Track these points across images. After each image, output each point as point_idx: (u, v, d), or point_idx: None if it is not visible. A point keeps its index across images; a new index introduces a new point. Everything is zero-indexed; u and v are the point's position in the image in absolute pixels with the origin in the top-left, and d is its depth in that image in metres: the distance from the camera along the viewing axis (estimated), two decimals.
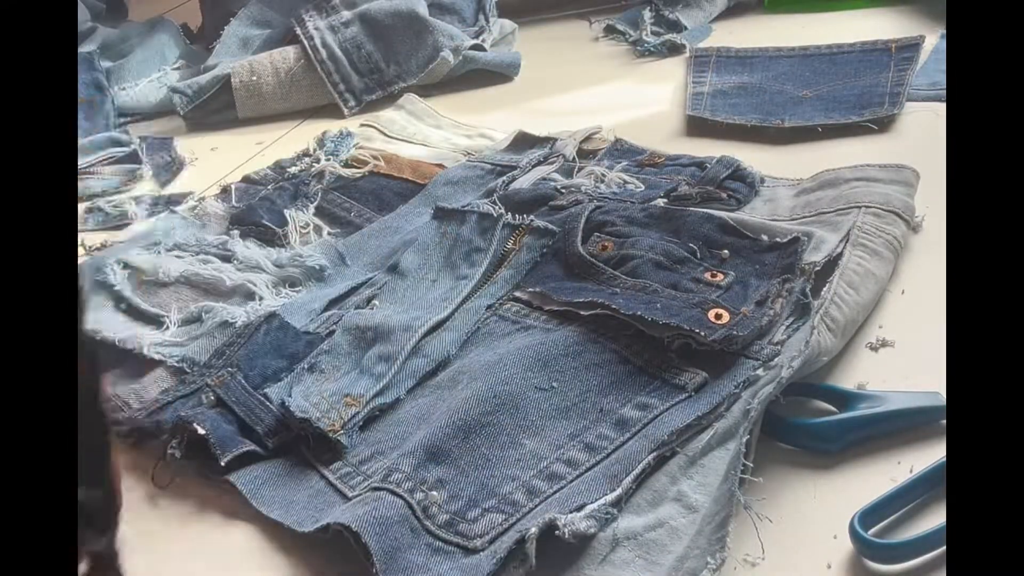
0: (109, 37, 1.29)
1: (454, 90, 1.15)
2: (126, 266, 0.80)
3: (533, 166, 0.89)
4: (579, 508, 0.52)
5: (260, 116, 1.15)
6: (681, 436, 0.56)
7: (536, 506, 0.54)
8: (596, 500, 0.52)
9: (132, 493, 0.62)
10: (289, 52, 1.15)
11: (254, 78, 1.13)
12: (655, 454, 0.55)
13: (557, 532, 0.50)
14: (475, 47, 1.17)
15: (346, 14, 1.17)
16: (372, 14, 1.16)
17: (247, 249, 0.82)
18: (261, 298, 0.76)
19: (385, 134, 1.03)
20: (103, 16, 1.42)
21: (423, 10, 1.17)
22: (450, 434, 0.58)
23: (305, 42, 1.15)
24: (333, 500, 0.57)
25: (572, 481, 0.55)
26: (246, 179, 0.96)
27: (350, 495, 0.57)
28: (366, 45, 1.15)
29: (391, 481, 0.56)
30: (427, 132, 1.03)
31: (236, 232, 0.85)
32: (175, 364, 0.70)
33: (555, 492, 0.54)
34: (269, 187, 0.92)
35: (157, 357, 0.71)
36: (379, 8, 1.16)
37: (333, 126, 1.07)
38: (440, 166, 0.93)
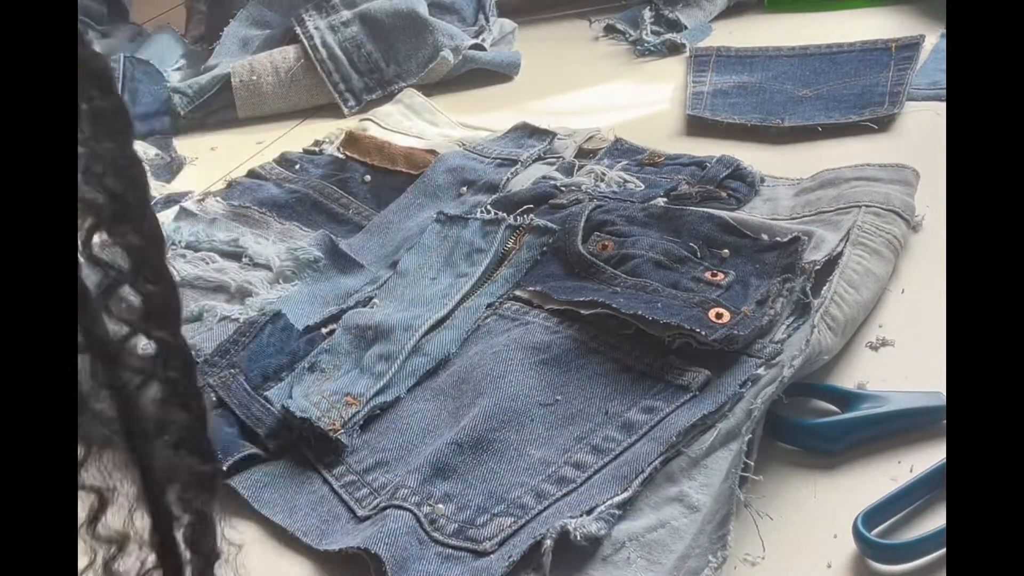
0: (106, 48, 1.29)
1: (454, 90, 1.15)
2: None
3: (533, 161, 0.89)
4: (590, 511, 0.52)
5: (260, 116, 1.15)
6: (687, 436, 0.56)
7: (545, 508, 0.54)
8: (605, 502, 0.52)
9: (131, 493, 0.62)
10: (289, 52, 1.15)
11: (254, 77, 1.13)
12: (663, 456, 0.55)
13: (569, 537, 0.50)
14: (475, 47, 1.17)
15: (346, 13, 1.17)
16: (372, 13, 1.16)
17: (258, 245, 0.82)
18: (257, 293, 0.76)
19: (381, 127, 1.03)
20: (104, 19, 1.42)
21: (423, 10, 1.17)
22: (456, 451, 0.58)
23: (305, 41, 1.15)
24: (337, 511, 0.57)
25: (581, 485, 0.55)
26: (251, 173, 0.96)
27: (355, 508, 0.57)
28: (366, 44, 1.15)
29: (398, 497, 0.56)
30: (422, 127, 1.03)
31: (246, 229, 0.85)
32: None
33: (564, 495, 0.54)
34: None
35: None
36: (379, 7, 1.16)
37: (333, 125, 1.08)
38: (432, 152, 0.93)
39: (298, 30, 1.17)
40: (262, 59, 1.15)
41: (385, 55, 1.15)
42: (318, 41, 1.15)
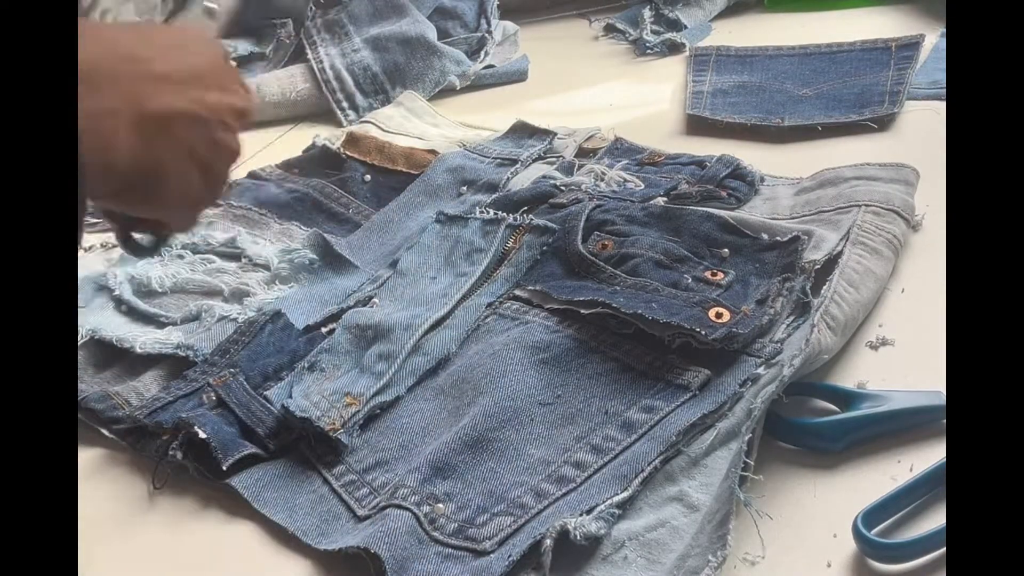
0: None
1: (455, 91, 1.15)
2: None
3: (533, 160, 0.89)
4: (589, 510, 0.52)
5: (259, 121, 1.15)
6: (687, 435, 0.56)
7: (545, 507, 0.54)
8: (605, 501, 0.53)
9: (132, 492, 0.62)
10: (297, 76, 1.15)
11: (261, 99, 1.13)
12: (663, 456, 0.55)
13: (569, 536, 0.50)
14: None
15: (356, 39, 1.17)
16: (382, 40, 1.16)
17: (256, 246, 0.82)
18: (254, 294, 0.76)
19: (382, 129, 1.03)
20: None
21: (432, 36, 1.16)
22: (456, 449, 0.58)
23: (314, 65, 1.15)
24: (337, 511, 0.57)
25: (580, 484, 0.55)
26: (252, 175, 0.96)
27: (355, 508, 0.57)
28: (372, 68, 1.15)
29: (398, 496, 0.56)
30: (424, 128, 1.03)
31: (243, 229, 0.85)
32: (170, 351, 0.70)
33: (564, 495, 0.55)
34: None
35: (152, 351, 0.70)
36: (389, 33, 1.16)
37: (332, 127, 1.08)
38: (433, 152, 0.93)
39: (309, 53, 1.17)
40: (270, 82, 1.14)
41: (391, 79, 1.14)
42: (326, 64, 1.15)
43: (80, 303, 0.74)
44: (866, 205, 0.72)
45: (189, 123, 0.46)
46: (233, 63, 1.14)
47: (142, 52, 0.45)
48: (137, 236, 0.54)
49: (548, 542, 0.50)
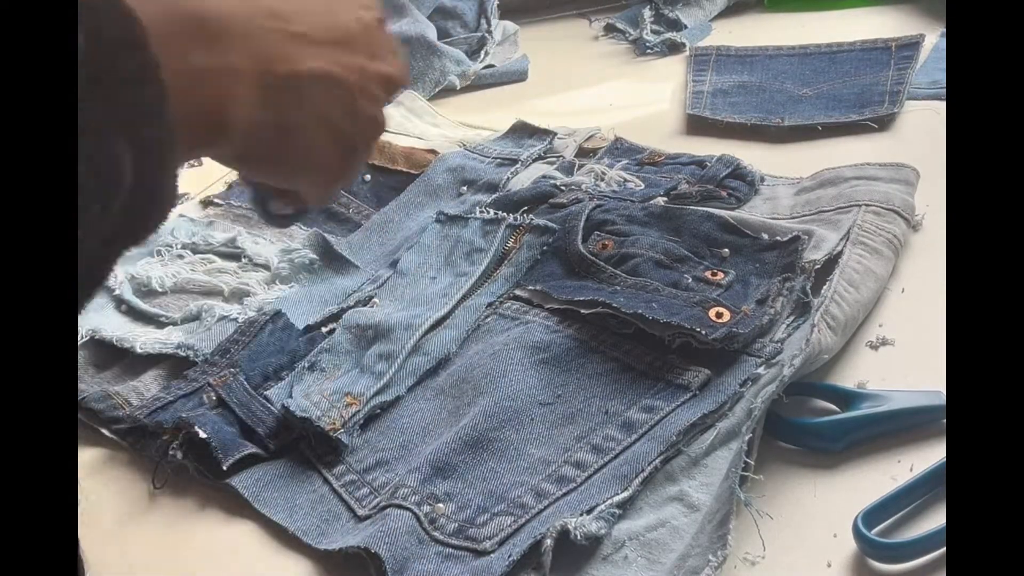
0: None
1: (455, 91, 1.15)
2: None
3: (533, 160, 0.89)
4: (590, 510, 0.52)
5: None
6: (687, 435, 0.56)
7: (545, 507, 0.54)
8: (605, 501, 0.53)
9: (132, 492, 0.62)
10: None
11: None
12: (663, 455, 0.55)
13: (569, 536, 0.50)
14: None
15: None
16: None
17: (256, 245, 0.82)
18: (254, 294, 0.76)
19: None
20: None
21: (432, 35, 1.16)
22: (456, 449, 0.58)
23: None
24: (337, 510, 0.57)
25: (581, 484, 0.55)
26: None
27: (355, 508, 0.57)
28: None
29: (398, 496, 0.56)
30: (424, 128, 1.03)
31: (243, 229, 0.85)
32: (171, 352, 0.70)
33: (564, 494, 0.55)
34: None
35: (152, 350, 0.71)
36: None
37: None
38: (433, 152, 0.93)
39: None
40: None
41: None
42: None
43: None
44: (866, 205, 0.72)
45: (325, 87, 0.43)
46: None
47: (283, 8, 0.42)
48: (274, 206, 0.51)
49: (548, 542, 0.50)
